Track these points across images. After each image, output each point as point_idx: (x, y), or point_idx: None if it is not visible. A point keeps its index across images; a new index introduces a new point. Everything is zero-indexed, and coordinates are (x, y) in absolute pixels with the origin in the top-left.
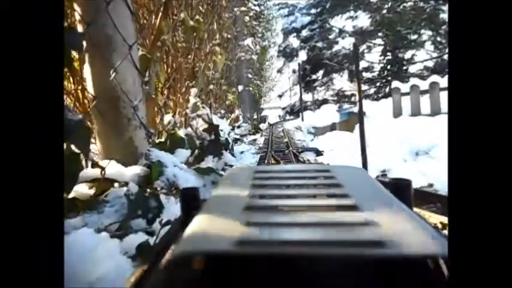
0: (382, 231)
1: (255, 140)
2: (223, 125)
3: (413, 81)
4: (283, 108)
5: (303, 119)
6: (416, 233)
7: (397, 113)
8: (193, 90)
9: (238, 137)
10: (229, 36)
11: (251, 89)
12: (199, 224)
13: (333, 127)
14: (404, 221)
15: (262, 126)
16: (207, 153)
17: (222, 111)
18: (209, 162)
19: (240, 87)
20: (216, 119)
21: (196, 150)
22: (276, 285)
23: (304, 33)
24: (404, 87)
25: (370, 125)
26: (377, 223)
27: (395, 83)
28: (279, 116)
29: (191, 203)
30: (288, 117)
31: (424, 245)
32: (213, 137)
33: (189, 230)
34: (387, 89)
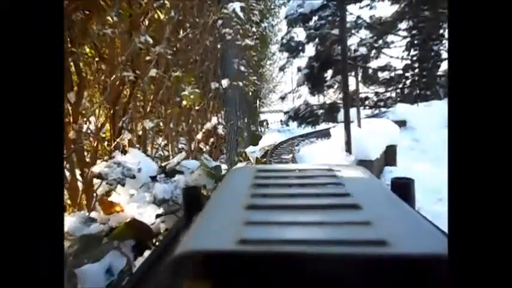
0: (384, 230)
1: None
2: None
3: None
4: (286, 113)
5: (350, 150)
6: (417, 232)
7: None
8: None
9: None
10: None
11: (241, 84)
12: (201, 222)
13: (390, 156)
14: (406, 220)
15: (251, 151)
16: None
17: (153, 126)
18: None
19: (225, 82)
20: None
21: None
22: (278, 283)
23: (312, 22)
24: None
25: (420, 142)
26: (379, 222)
27: None
28: (281, 121)
29: (193, 201)
30: (292, 124)
31: (425, 243)
32: None
33: (192, 228)
34: (418, 91)
